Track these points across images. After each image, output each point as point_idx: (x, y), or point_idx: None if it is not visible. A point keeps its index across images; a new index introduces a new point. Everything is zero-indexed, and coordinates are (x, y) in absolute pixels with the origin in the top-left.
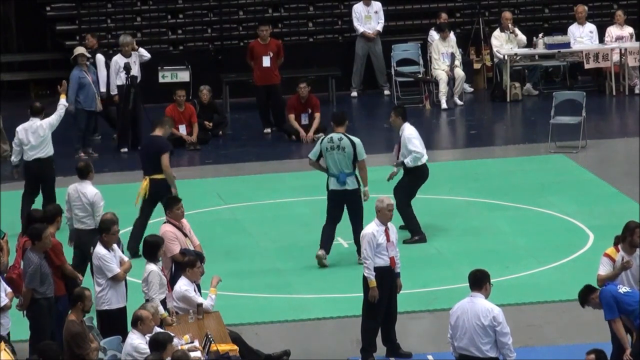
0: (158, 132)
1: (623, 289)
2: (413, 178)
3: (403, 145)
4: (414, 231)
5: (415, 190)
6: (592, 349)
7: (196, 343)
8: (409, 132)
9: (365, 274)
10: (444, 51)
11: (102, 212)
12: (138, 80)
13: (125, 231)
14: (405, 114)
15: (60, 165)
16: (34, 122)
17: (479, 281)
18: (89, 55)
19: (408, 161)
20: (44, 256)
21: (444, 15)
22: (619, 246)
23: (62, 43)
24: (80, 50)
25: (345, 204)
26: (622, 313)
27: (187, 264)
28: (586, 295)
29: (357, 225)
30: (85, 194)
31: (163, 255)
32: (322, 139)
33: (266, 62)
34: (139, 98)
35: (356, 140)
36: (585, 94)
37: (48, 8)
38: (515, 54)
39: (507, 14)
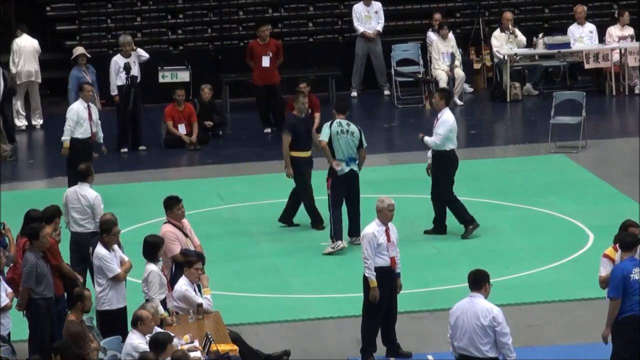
0: (295, 110)
1: (637, 275)
2: (441, 165)
3: (436, 127)
4: (465, 222)
5: (451, 176)
6: None
7: (196, 343)
8: (446, 117)
9: (366, 274)
10: (444, 51)
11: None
12: (138, 80)
13: (125, 231)
14: (449, 99)
15: (59, 165)
16: None
17: (478, 281)
18: (89, 56)
19: (427, 139)
20: (42, 256)
21: (436, 16)
22: (618, 245)
23: (62, 43)
24: (80, 50)
25: (349, 187)
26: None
27: (184, 263)
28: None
29: (356, 208)
30: (85, 197)
31: (163, 255)
32: (331, 124)
33: (265, 62)
34: (139, 98)
35: (359, 127)
36: (585, 94)
37: (48, 8)
38: (515, 54)
39: (507, 14)
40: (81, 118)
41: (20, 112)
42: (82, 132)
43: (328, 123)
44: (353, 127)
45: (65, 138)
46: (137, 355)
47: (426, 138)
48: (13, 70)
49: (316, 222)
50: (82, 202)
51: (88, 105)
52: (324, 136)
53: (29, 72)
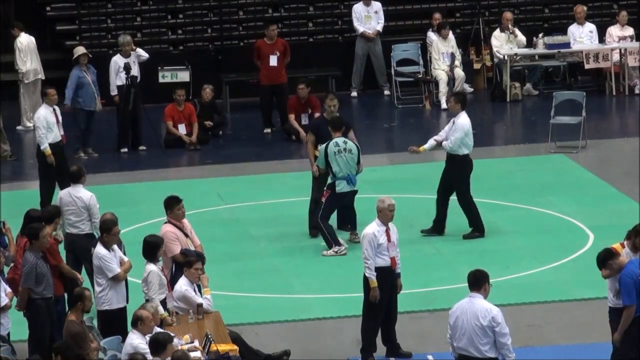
0: (325, 112)
1: None
2: (455, 169)
3: (452, 130)
4: (476, 227)
5: (468, 179)
6: None
7: (196, 343)
8: (461, 121)
9: (367, 274)
10: (444, 51)
11: (98, 215)
12: (138, 80)
13: (125, 231)
14: (464, 102)
15: None
16: None
17: (478, 281)
18: (90, 55)
19: (445, 144)
20: (42, 256)
21: (436, 16)
22: (625, 242)
23: (62, 43)
24: (82, 50)
25: (346, 205)
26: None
27: (184, 264)
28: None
29: (351, 209)
30: (80, 198)
31: (163, 255)
32: (326, 146)
33: (273, 61)
34: (139, 98)
35: (357, 145)
36: (585, 94)
37: (48, 8)
38: (515, 54)
39: (507, 14)
40: (50, 123)
41: (29, 113)
42: (53, 137)
43: (324, 146)
44: (350, 145)
45: (45, 146)
46: None
47: (444, 143)
48: (22, 69)
49: (314, 227)
50: (78, 203)
51: (54, 109)
52: (321, 164)
53: (36, 70)
